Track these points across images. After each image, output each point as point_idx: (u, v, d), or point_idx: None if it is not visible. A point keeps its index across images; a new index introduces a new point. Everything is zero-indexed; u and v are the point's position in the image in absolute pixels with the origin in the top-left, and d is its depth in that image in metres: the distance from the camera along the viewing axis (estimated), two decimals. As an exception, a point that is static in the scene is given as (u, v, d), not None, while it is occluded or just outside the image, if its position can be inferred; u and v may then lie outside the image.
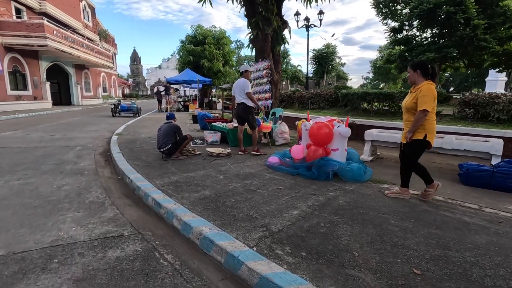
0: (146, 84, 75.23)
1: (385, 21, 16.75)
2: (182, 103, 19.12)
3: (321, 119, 4.65)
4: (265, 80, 6.43)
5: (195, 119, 11.04)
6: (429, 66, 3.04)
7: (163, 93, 17.67)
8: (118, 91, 38.97)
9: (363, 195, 3.33)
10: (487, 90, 15.70)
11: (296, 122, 4.52)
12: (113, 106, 14.24)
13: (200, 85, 21.91)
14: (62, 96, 23.82)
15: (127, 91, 51.84)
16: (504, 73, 20.89)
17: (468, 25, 12.74)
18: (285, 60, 35.68)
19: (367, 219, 2.68)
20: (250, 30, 7.43)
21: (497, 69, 15.98)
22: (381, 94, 8.30)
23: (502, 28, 13.58)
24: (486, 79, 22.89)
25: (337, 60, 30.86)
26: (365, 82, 55.39)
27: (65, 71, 22.73)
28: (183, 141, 5.06)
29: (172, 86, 18.38)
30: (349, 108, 9.77)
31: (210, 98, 20.26)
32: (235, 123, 6.58)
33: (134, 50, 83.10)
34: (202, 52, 20.22)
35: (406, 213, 2.82)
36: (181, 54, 21.20)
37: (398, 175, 3.34)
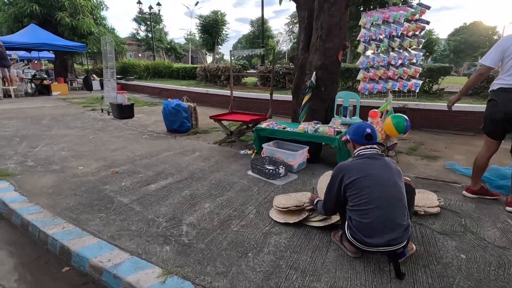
0: None
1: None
2: (33, 81, 11.62)
3: None
4: (415, 40, 3.41)
5: (123, 110, 6.30)
6: None
7: (-5, 65, 9.95)
8: None
9: None
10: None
11: None
12: None
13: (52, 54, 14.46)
14: None
15: None
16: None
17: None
18: (158, 26, 29.31)
19: None
20: None
21: None
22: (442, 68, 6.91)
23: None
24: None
25: (227, 31, 28.00)
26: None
27: None
28: (413, 205, 1.74)
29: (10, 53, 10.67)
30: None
31: (87, 74, 13.40)
32: (333, 126, 3.45)
33: None
34: (55, 1, 12.73)
35: None
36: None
37: None
